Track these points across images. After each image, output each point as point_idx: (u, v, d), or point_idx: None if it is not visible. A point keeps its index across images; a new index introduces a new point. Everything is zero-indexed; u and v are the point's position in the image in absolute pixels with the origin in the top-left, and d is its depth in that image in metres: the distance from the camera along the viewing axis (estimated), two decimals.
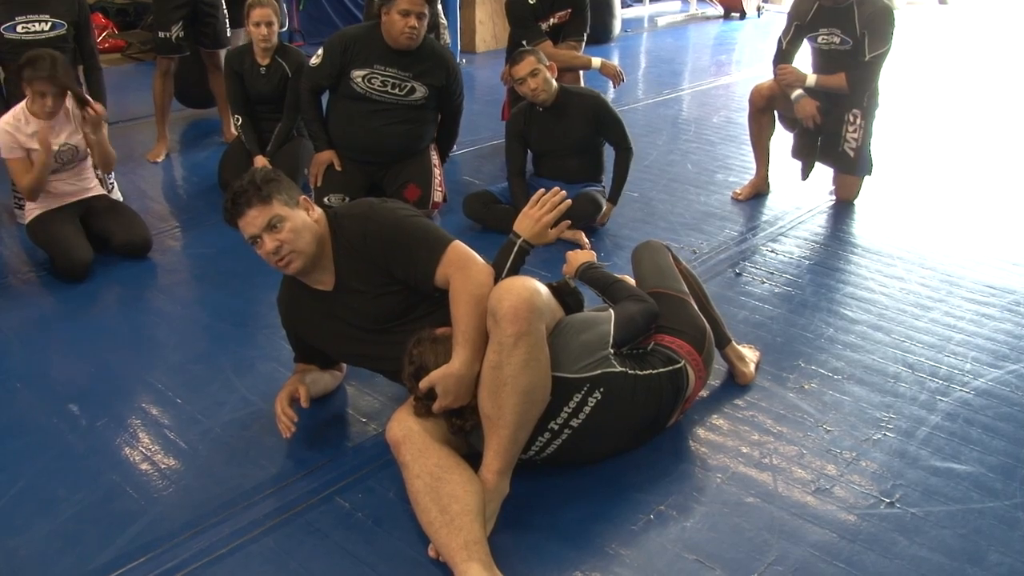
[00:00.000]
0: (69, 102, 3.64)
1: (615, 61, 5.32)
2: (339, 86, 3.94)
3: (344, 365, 2.78)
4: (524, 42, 4.68)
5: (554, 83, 3.85)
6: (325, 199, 3.99)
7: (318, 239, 2.35)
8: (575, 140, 3.94)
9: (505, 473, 2.16)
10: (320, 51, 3.92)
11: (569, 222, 2.53)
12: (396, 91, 3.89)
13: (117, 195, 4.07)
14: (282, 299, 2.59)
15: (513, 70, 3.86)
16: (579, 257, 2.71)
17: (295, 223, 2.29)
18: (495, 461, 2.14)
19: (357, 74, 3.86)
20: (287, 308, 2.58)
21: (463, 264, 2.27)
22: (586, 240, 3.81)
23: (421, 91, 3.91)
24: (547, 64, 3.85)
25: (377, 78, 3.86)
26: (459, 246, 2.32)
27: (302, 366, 2.67)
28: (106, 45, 7.48)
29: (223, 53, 5.02)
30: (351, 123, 3.98)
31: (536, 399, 2.14)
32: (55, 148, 3.57)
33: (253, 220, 2.28)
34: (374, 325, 2.43)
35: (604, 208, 3.98)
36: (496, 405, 2.10)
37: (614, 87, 5.11)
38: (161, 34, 4.92)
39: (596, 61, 4.83)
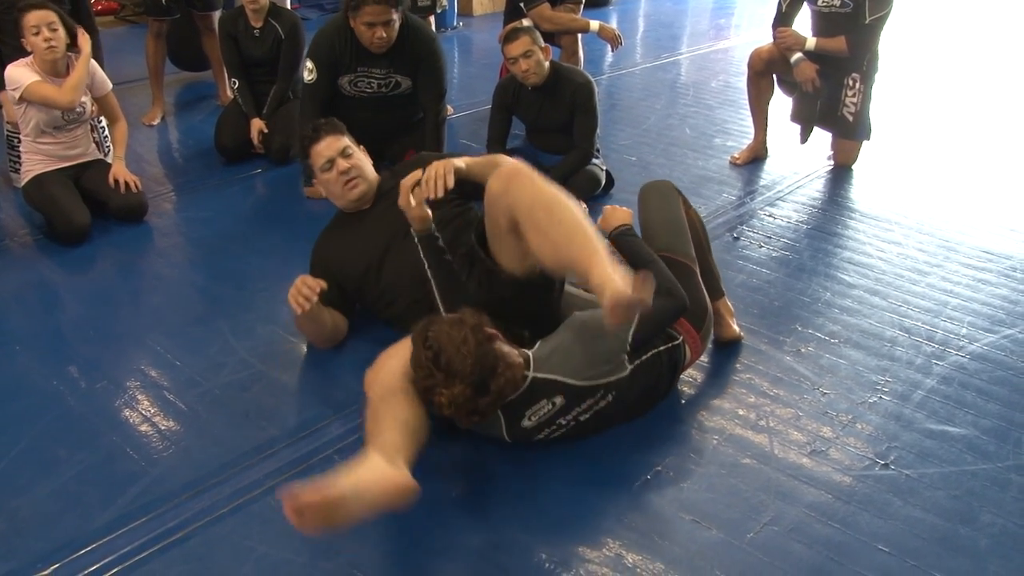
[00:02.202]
0: (76, 61, 3.62)
1: (613, 24, 5.27)
2: None
3: (346, 320, 2.82)
4: (522, 4, 4.64)
5: (546, 65, 3.78)
6: None
7: (371, 169, 2.85)
8: (560, 122, 3.90)
9: (617, 270, 2.02)
10: (310, 64, 3.82)
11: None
12: (383, 89, 3.86)
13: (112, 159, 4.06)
14: (319, 241, 2.88)
15: (506, 48, 3.79)
16: (617, 216, 2.54)
17: (360, 156, 2.83)
18: (608, 270, 2.00)
19: (343, 79, 3.82)
20: (321, 246, 2.86)
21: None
22: (584, 207, 3.79)
23: (406, 84, 3.87)
24: (542, 46, 3.78)
25: (363, 80, 3.82)
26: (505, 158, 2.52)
27: None
28: (99, 8, 7.39)
29: (216, 15, 4.97)
30: (339, 118, 3.93)
31: (566, 201, 2.19)
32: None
33: (330, 145, 2.75)
34: (394, 233, 2.66)
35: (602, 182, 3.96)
36: (565, 235, 2.12)
37: (612, 51, 5.07)
38: None
39: (594, 24, 4.79)
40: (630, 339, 2.27)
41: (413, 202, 2.37)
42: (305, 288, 2.47)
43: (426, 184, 2.34)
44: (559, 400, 2.21)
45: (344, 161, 2.74)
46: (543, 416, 2.22)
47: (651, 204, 2.69)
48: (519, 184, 2.23)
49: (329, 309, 2.72)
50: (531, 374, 2.18)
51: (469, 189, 2.50)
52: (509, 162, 2.36)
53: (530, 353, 2.23)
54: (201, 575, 1.97)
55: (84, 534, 2.07)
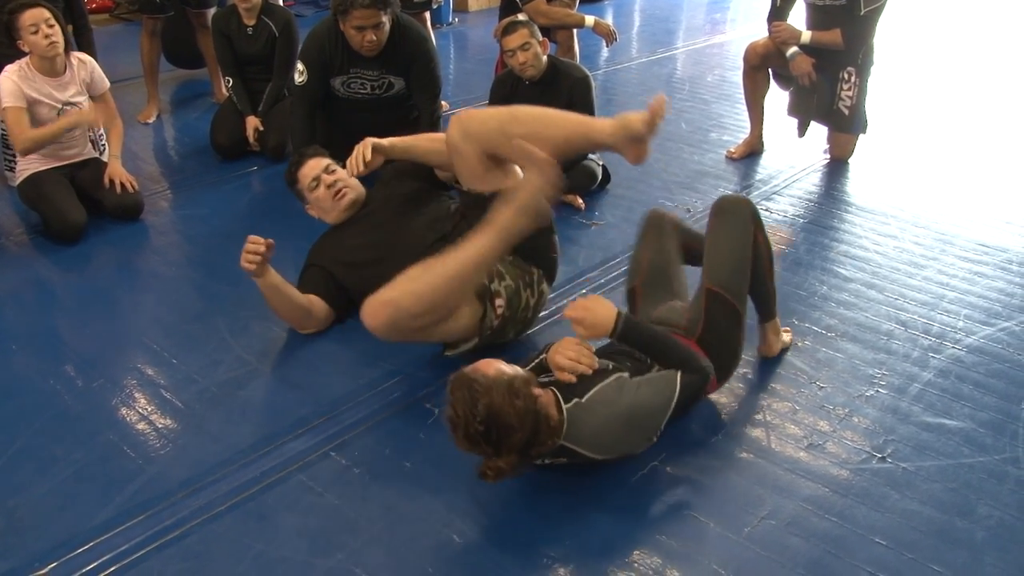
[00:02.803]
0: (74, 59, 3.62)
1: (609, 20, 5.27)
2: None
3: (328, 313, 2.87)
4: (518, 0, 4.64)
5: (544, 59, 3.78)
6: None
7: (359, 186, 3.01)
8: None
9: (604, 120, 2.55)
10: (300, 66, 3.81)
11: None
12: (376, 91, 3.86)
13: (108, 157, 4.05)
14: (318, 250, 2.98)
15: (504, 40, 3.78)
16: (600, 313, 2.13)
17: (343, 172, 2.96)
18: (601, 122, 2.55)
19: (336, 81, 3.82)
20: (318, 245, 2.99)
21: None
22: (581, 202, 3.80)
23: (399, 84, 3.87)
24: (540, 39, 3.78)
25: (355, 81, 3.82)
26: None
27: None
28: (94, 5, 7.38)
29: (211, 12, 4.96)
30: (334, 121, 3.97)
31: (523, 108, 2.69)
32: (59, 106, 3.56)
33: (314, 166, 2.98)
34: (389, 208, 2.94)
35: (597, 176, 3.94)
36: (545, 127, 2.53)
37: (607, 46, 5.07)
38: None
39: (589, 19, 4.79)
40: (663, 426, 2.16)
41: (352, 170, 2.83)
42: (251, 245, 2.59)
43: (349, 164, 2.82)
44: (574, 460, 2.12)
45: (328, 176, 2.96)
46: (553, 462, 2.15)
47: (723, 228, 2.47)
48: (475, 120, 2.58)
49: (309, 296, 2.82)
50: (561, 442, 2.06)
51: (428, 173, 2.99)
52: (453, 121, 2.63)
53: (566, 414, 2.06)
54: (199, 573, 1.97)
55: (81, 532, 2.07)
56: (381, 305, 2.29)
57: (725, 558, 2.00)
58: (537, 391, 2.02)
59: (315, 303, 2.82)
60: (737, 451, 2.33)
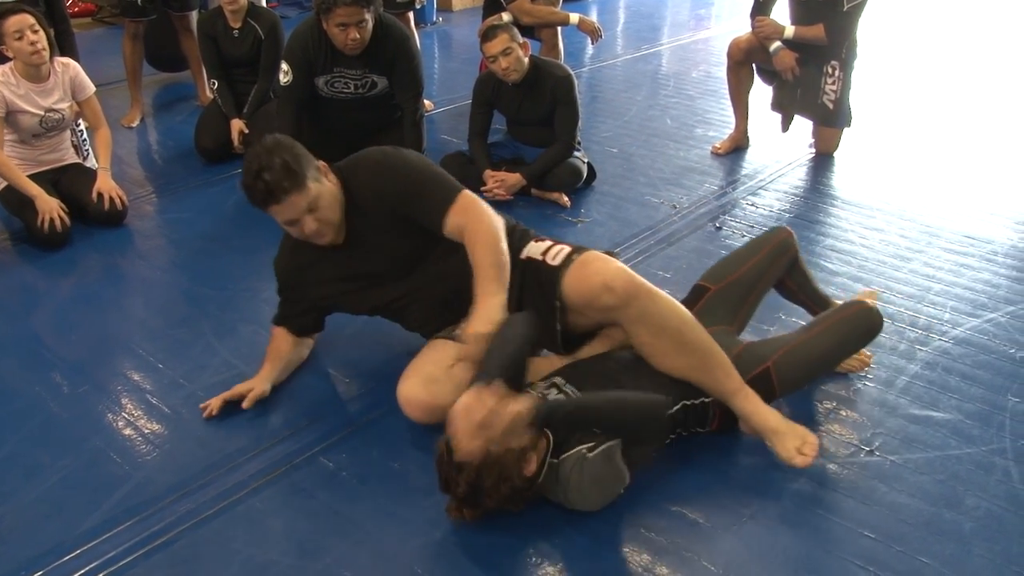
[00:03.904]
0: (58, 64, 3.59)
1: (593, 17, 5.27)
2: None
3: (315, 336, 2.72)
4: None
5: (525, 61, 3.77)
6: None
7: (340, 204, 2.34)
8: (542, 116, 3.88)
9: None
10: (285, 66, 3.79)
11: None
12: (360, 90, 3.84)
13: (92, 163, 4.02)
14: (282, 263, 2.54)
15: (485, 46, 3.77)
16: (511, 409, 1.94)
17: (326, 198, 2.28)
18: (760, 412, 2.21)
19: (319, 80, 3.80)
20: (290, 272, 2.53)
21: (473, 210, 2.29)
22: (567, 199, 3.80)
23: (382, 83, 3.85)
24: (520, 42, 3.77)
25: (339, 80, 3.80)
26: (468, 195, 2.33)
27: (276, 342, 2.59)
28: (76, 9, 7.34)
29: (193, 16, 4.94)
30: (320, 120, 3.95)
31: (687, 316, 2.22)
32: (41, 112, 3.53)
33: (294, 205, 2.23)
34: (391, 269, 2.43)
35: (518, 179, 3.81)
36: (692, 352, 2.18)
37: (592, 43, 5.08)
38: None
39: (574, 17, 4.79)
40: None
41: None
42: (211, 406, 2.46)
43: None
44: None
45: (312, 220, 2.27)
46: None
47: (837, 334, 2.34)
48: (641, 304, 2.15)
49: (296, 340, 2.61)
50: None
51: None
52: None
53: (547, 467, 2.02)
54: None
55: (69, 539, 2.06)
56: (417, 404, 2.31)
57: (715, 554, 2.00)
58: (530, 467, 1.96)
59: (301, 347, 2.66)
60: (726, 447, 2.33)
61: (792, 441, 2.15)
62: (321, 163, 2.34)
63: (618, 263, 2.23)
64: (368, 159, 2.41)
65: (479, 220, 2.27)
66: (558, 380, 2.21)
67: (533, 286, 2.30)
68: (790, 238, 2.52)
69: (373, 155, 2.42)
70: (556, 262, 2.27)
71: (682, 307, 2.23)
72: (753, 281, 2.47)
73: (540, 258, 2.31)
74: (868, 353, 2.63)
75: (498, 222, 2.31)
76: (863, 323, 2.34)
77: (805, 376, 2.34)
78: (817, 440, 2.18)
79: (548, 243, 2.37)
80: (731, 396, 2.20)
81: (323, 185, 2.28)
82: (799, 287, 2.62)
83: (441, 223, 2.29)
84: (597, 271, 2.18)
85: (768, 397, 2.24)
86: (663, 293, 2.20)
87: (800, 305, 2.70)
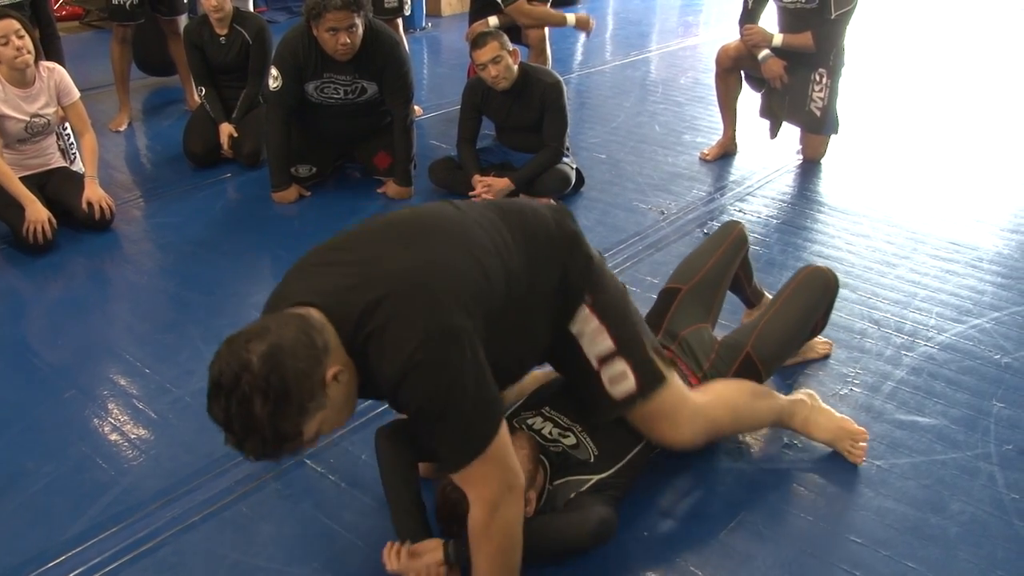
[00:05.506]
0: (43, 70, 3.58)
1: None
2: None
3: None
4: (500, 0, 4.63)
5: (515, 68, 3.78)
6: (293, 170, 3.99)
7: (351, 399, 1.71)
8: (531, 122, 3.89)
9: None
10: (274, 72, 3.79)
11: None
12: (350, 96, 3.84)
13: (79, 166, 4.00)
14: None
15: (475, 54, 3.77)
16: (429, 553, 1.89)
17: (330, 419, 1.65)
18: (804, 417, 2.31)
19: (309, 86, 3.80)
20: None
21: (488, 488, 1.68)
22: (556, 204, 3.80)
23: (372, 89, 3.85)
24: (510, 50, 3.78)
25: (328, 86, 3.80)
26: (493, 456, 1.65)
27: None
28: (63, 13, 7.32)
29: (182, 20, 4.93)
30: (309, 126, 3.96)
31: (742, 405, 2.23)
32: (27, 118, 3.52)
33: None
34: None
35: (506, 184, 3.77)
36: (748, 425, 2.30)
37: (586, 36, 5.12)
38: (115, 0, 4.81)
39: (571, 18, 4.85)
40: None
41: None
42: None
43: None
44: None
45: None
46: None
47: (798, 301, 2.38)
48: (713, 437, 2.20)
49: None
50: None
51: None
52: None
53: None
54: None
55: (54, 546, 2.05)
56: None
57: (702, 559, 2.00)
58: (531, 508, 1.94)
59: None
60: (712, 452, 2.33)
61: (843, 443, 2.28)
62: (332, 369, 1.59)
63: (690, 416, 2.07)
64: (403, 343, 1.59)
65: (488, 510, 1.69)
66: (545, 410, 2.16)
67: (576, 385, 2.06)
68: (744, 231, 2.56)
69: (410, 341, 1.59)
70: (615, 393, 1.96)
71: (735, 398, 2.20)
72: (720, 276, 2.50)
73: (595, 368, 1.95)
74: (828, 340, 2.75)
75: (516, 511, 1.73)
76: (818, 281, 2.43)
77: (785, 350, 2.41)
78: (859, 429, 2.29)
79: (606, 343, 1.94)
80: (783, 426, 2.33)
81: (323, 409, 1.61)
82: (747, 278, 2.69)
83: (450, 470, 1.73)
84: (669, 436, 2.09)
85: (757, 380, 2.29)
86: (722, 403, 2.16)
87: (740, 294, 2.75)
